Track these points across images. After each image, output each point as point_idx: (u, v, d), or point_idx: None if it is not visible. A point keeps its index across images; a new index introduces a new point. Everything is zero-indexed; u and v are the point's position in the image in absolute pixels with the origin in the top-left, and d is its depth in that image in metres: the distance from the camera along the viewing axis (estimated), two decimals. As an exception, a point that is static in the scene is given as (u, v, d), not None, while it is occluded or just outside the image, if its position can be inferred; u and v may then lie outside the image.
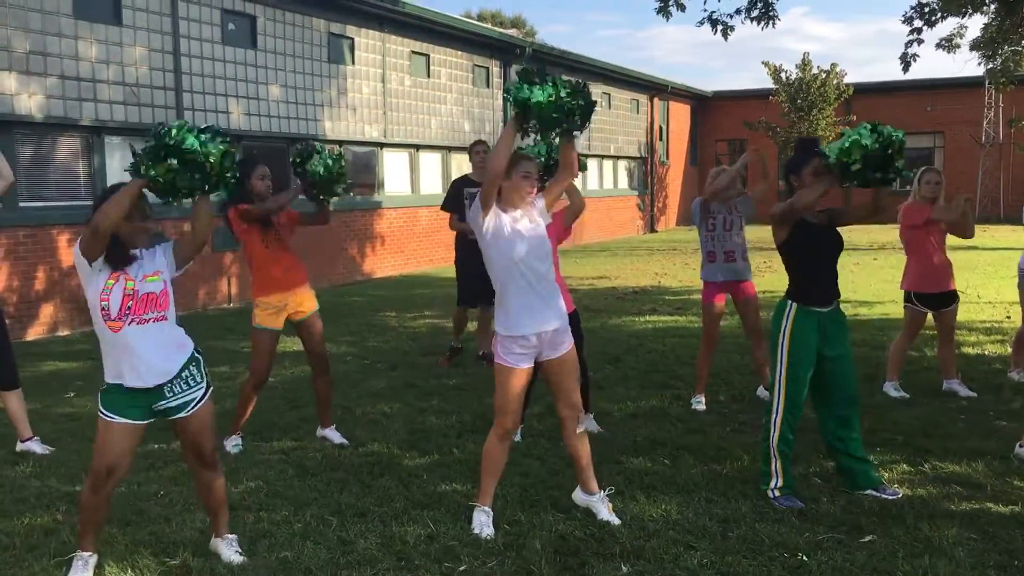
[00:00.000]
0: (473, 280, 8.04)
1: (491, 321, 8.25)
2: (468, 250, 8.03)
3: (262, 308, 5.57)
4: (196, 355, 3.83)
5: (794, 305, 4.59)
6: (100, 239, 3.52)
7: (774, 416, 4.60)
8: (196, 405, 3.79)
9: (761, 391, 6.66)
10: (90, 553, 3.83)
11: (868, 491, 4.57)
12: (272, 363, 5.77)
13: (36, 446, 5.69)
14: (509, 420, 4.22)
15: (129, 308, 3.62)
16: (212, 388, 3.91)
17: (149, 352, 3.64)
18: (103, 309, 3.60)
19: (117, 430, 3.66)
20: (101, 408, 3.69)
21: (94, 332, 3.74)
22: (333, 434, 5.86)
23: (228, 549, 3.98)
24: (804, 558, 3.84)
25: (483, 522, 4.22)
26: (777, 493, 4.54)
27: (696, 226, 6.55)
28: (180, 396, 3.74)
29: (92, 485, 3.72)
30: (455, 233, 8.20)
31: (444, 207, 8.29)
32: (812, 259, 4.60)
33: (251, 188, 5.54)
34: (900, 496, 4.54)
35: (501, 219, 4.12)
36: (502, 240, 4.11)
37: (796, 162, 4.67)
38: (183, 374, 3.75)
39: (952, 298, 6.71)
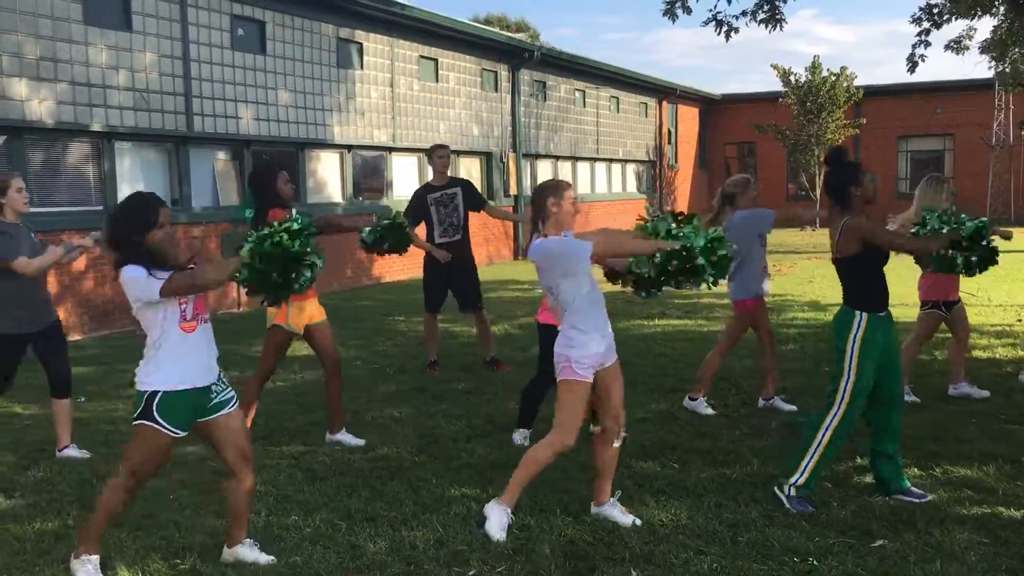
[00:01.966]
0: (440, 286, 8.06)
1: (488, 326, 8.29)
2: (437, 259, 8.01)
3: (291, 308, 5.58)
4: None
5: (864, 315, 4.56)
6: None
7: (830, 419, 4.55)
8: (234, 404, 3.88)
9: (762, 401, 6.59)
10: (98, 557, 3.85)
11: (898, 496, 4.57)
12: (276, 362, 5.88)
13: (74, 452, 5.72)
14: (573, 437, 4.18)
15: (197, 308, 3.76)
16: None
17: (211, 349, 3.82)
18: (182, 312, 3.69)
19: (168, 441, 3.71)
20: (161, 420, 3.66)
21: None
22: (346, 437, 5.88)
23: (252, 552, 3.99)
24: (814, 563, 3.83)
25: (504, 525, 4.19)
26: (793, 492, 4.53)
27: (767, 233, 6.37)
28: (222, 394, 3.84)
29: (132, 487, 3.79)
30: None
31: (407, 215, 8.19)
32: (880, 267, 4.62)
33: (278, 192, 5.63)
34: (931, 498, 4.54)
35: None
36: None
37: (852, 172, 4.65)
38: (220, 373, 3.89)
39: (955, 300, 6.68)
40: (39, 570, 3.96)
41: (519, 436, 5.73)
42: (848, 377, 4.55)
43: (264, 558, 3.98)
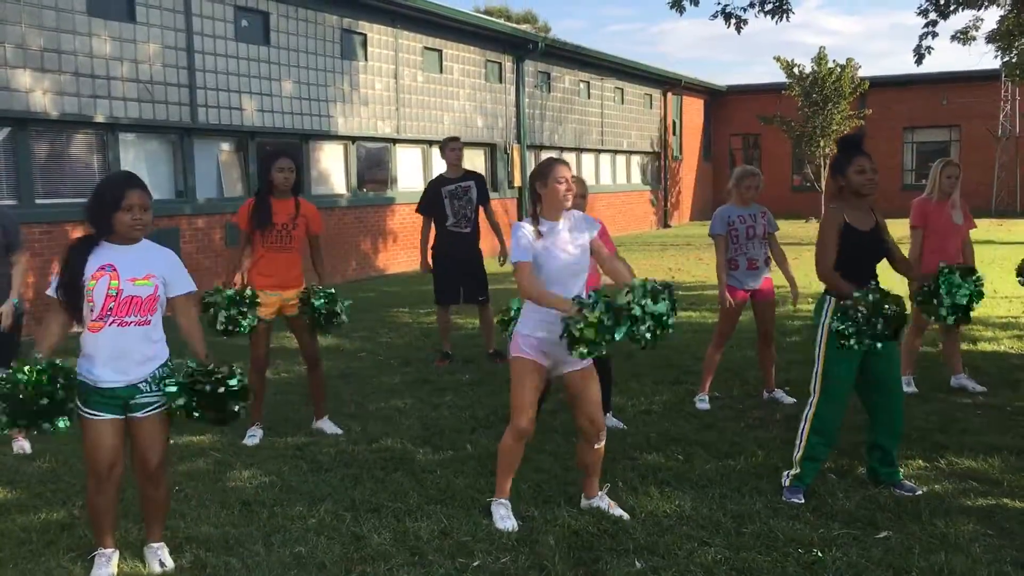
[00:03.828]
0: (451, 279, 8.07)
1: (492, 318, 8.30)
2: (446, 247, 8.04)
3: None
4: (169, 364, 3.76)
5: (831, 299, 4.53)
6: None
7: (807, 410, 4.57)
8: (154, 409, 3.70)
9: (766, 394, 6.59)
10: (112, 550, 3.84)
11: (893, 489, 4.56)
12: (267, 349, 5.92)
13: (23, 443, 5.67)
14: (524, 419, 4.18)
15: (111, 309, 3.57)
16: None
17: (125, 356, 3.60)
18: (89, 310, 3.58)
19: (105, 426, 3.62)
20: (80, 407, 3.60)
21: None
22: (326, 425, 5.97)
23: (153, 558, 3.88)
24: (819, 554, 3.83)
25: (503, 515, 4.24)
26: (787, 483, 4.54)
27: (714, 235, 6.34)
28: (147, 395, 3.67)
29: (95, 487, 3.69)
30: (433, 228, 8.14)
31: (419, 211, 8.22)
32: (850, 261, 4.54)
33: (271, 180, 5.64)
34: (921, 492, 4.52)
35: (537, 240, 4.13)
36: (537, 252, 4.13)
37: (840, 162, 4.58)
38: (155, 373, 3.69)
39: None
40: (45, 560, 3.97)
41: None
42: (817, 362, 4.54)
43: (157, 568, 3.84)
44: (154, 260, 3.71)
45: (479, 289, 8.12)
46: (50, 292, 3.64)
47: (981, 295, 4.76)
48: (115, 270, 3.59)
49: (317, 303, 5.60)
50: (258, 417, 5.87)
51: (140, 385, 3.66)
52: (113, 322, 3.58)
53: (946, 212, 6.50)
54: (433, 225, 8.11)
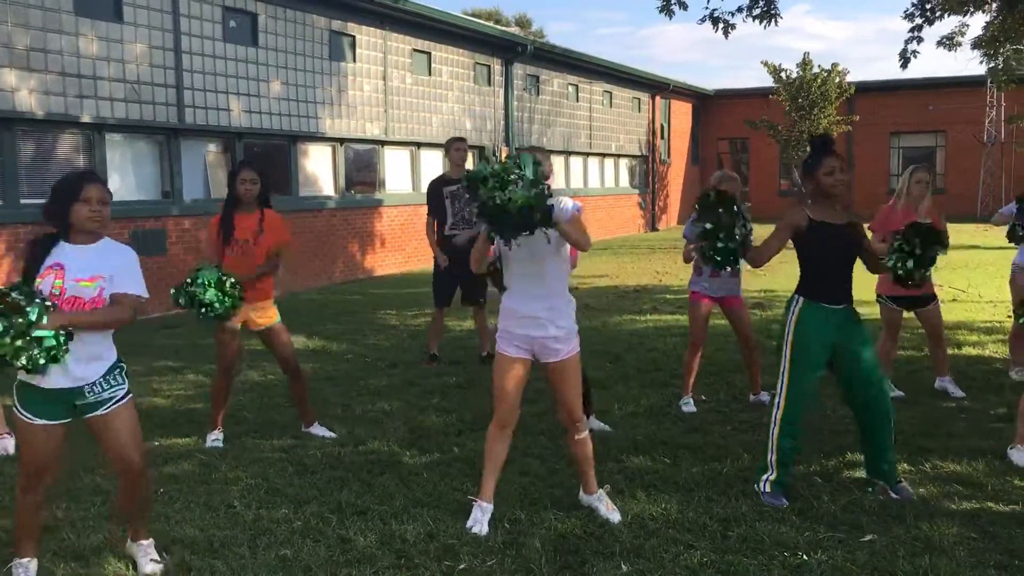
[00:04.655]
0: (449, 282, 8.06)
1: (486, 320, 8.29)
2: (447, 251, 8.03)
3: None
4: (119, 363, 3.68)
5: (800, 299, 4.54)
6: None
7: (775, 412, 4.56)
8: (116, 403, 3.64)
9: (752, 397, 6.60)
10: (29, 559, 3.78)
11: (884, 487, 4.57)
12: (236, 356, 5.79)
13: (7, 444, 5.63)
14: (504, 410, 4.23)
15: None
16: (132, 395, 3.75)
17: (76, 355, 3.48)
18: None
19: (38, 431, 3.57)
20: (18, 406, 3.57)
21: None
22: (318, 429, 5.92)
23: (143, 557, 3.86)
24: (804, 557, 3.84)
25: (477, 518, 4.23)
26: (767, 488, 4.53)
27: (688, 236, 6.36)
28: (100, 393, 3.60)
29: (23, 485, 3.66)
30: (433, 232, 8.16)
31: (430, 213, 8.23)
32: (821, 258, 4.55)
33: (235, 192, 5.57)
34: (912, 495, 4.53)
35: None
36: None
37: (810, 164, 4.58)
38: (104, 375, 3.61)
39: (929, 298, 6.63)
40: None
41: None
42: (784, 361, 4.51)
43: (154, 567, 3.82)
44: (106, 260, 3.61)
45: (479, 290, 8.11)
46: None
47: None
48: (62, 269, 3.52)
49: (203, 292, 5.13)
50: (218, 424, 5.78)
51: (85, 388, 3.57)
52: None
53: (912, 218, 6.49)
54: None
